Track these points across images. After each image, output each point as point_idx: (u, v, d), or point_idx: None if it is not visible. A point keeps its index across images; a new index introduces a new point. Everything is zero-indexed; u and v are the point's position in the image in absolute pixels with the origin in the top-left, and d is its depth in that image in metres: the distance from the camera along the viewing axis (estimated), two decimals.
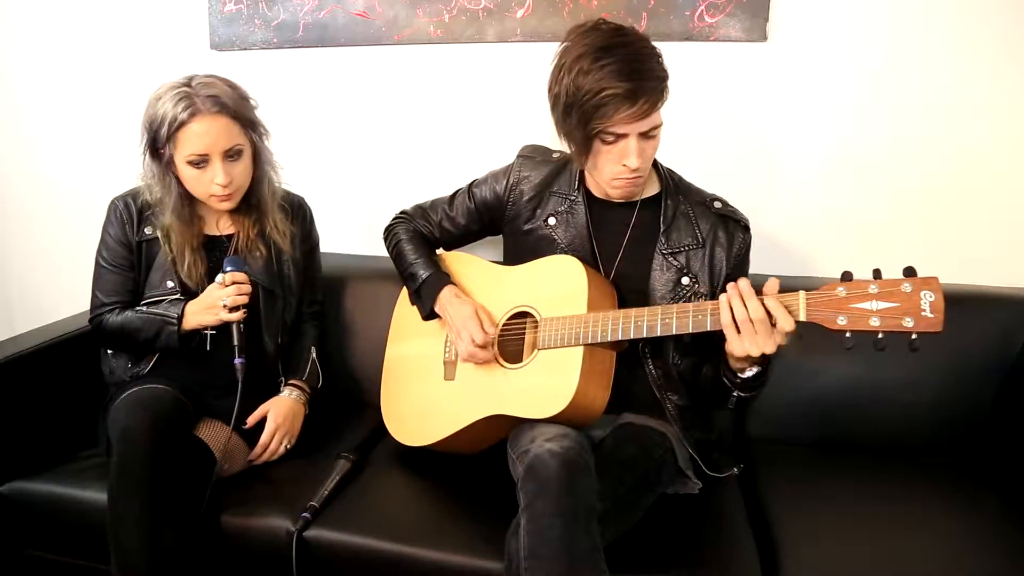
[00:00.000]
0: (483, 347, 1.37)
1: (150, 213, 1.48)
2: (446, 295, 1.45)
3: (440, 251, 1.61)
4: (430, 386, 1.48)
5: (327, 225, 2.00)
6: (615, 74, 1.18)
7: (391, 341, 1.62)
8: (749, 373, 1.20)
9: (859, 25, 1.64)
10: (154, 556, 1.23)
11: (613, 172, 1.29)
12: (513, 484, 1.23)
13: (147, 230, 1.48)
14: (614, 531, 1.19)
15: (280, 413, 1.50)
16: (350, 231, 2.02)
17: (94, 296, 1.52)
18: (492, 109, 1.86)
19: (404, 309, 1.62)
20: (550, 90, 1.28)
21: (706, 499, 1.38)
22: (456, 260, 1.56)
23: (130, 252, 1.49)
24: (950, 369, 1.51)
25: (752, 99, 1.73)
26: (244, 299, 1.39)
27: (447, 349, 1.48)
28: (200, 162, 1.38)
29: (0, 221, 2.30)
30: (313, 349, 1.64)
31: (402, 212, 1.62)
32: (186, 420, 1.38)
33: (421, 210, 1.60)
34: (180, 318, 1.42)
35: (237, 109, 1.40)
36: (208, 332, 1.46)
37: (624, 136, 1.23)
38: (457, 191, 1.56)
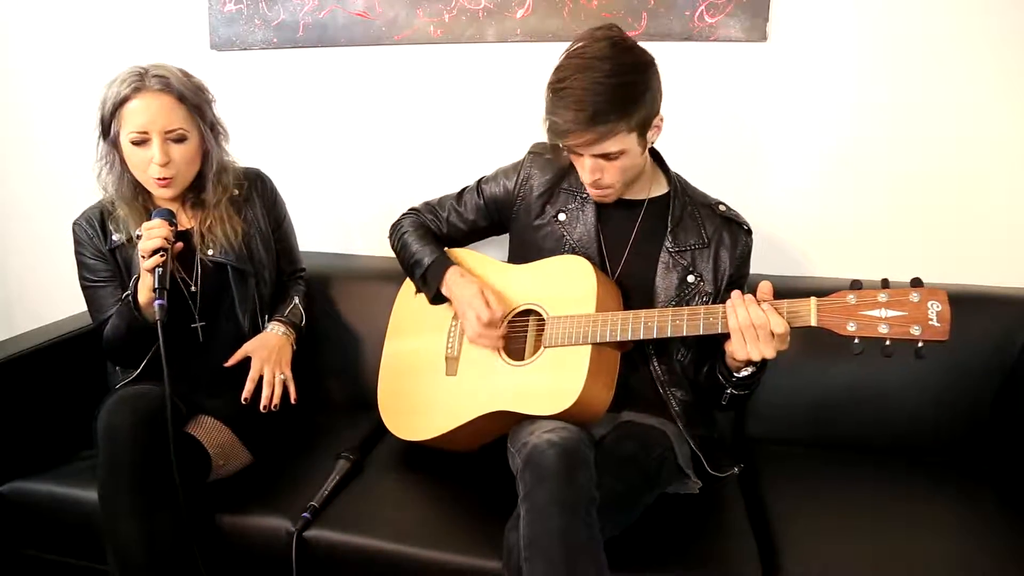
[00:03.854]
0: (489, 325, 1.37)
1: (111, 219, 1.48)
2: (451, 275, 1.46)
3: (447, 249, 1.60)
4: (431, 381, 1.48)
5: (327, 225, 2.01)
6: (566, 105, 1.21)
7: (390, 336, 1.62)
8: (744, 372, 1.25)
9: (859, 25, 1.65)
10: (151, 552, 1.23)
11: (583, 178, 1.34)
12: (513, 483, 1.23)
13: (114, 237, 1.48)
14: (612, 528, 1.19)
15: (261, 347, 1.48)
16: (349, 231, 2.02)
17: (93, 319, 1.52)
18: (492, 109, 1.87)
19: (404, 304, 1.62)
20: None
21: (706, 499, 1.38)
22: (463, 257, 1.56)
23: (107, 263, 1.49)
24: (950, 369, 1.51)
25: (752, 99, 1.73)
26: (156, 242, 1.33)
27: (449, 344, 1.48)
28: (141, 141, 1.38)
29: (0, 221, 2.30)
30: (297, 297, 1.62)
31: (410, 208, 1.62)
32: (172, 417, 1.36)
33: (429, 206, 1.60)
34: (134, 291, 1.39)
35: (184, 93, 1.40)
36: (197, 325, 1.48)
37: (579, 155, 1.28)
38: (465, 188, 1.57)
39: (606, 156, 1.26)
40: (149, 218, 1.39)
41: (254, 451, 1.48)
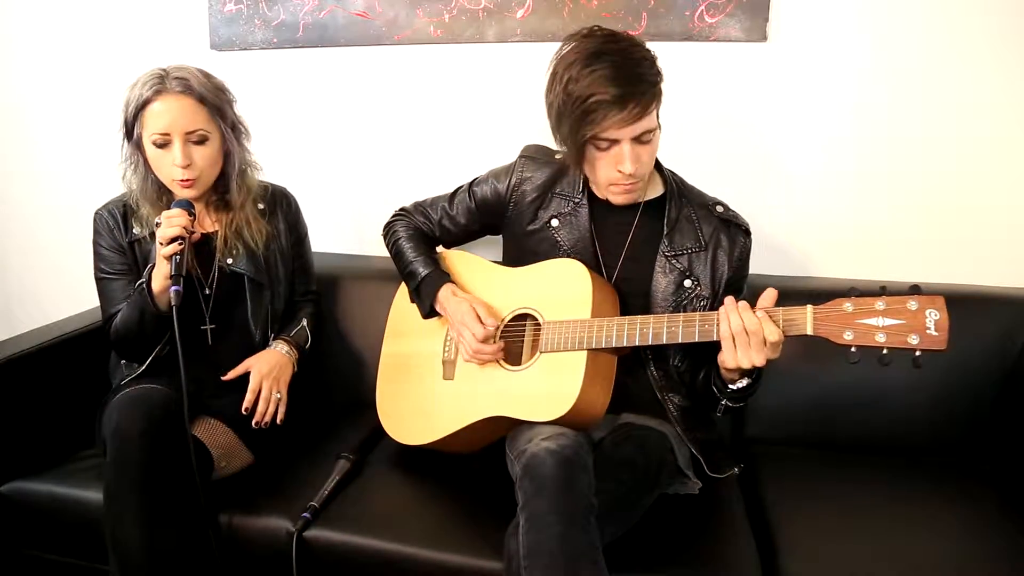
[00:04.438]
0: (485, 341, 1.36)
1: (134, 216, 1.49)
2: (444, 294, 1.45)
3: (441, 249, 1.60)
4: (429, 385, 1.48)
5: (327, 226, 2.01)
6: (604, 80, 1.18)
7: (388, 337, 1.62)
8: (740, 384, 1.24)
9: (859, 25, 1.64)
10: (154, 554, 1.23)
11: (610, 178, 1.29)
12: (513, 484, 1.23)
13: (135, 230, 1.49)
14: (613, 531, 1.19)
15: (263, 362, 1.48)
16: (350, 231, 2.02)
17: (103, 312, 1.52)
18: (492, 109, 1.86)
19: (402, 305, 1.62)
20: (545, 99, 1.29)
21: (706, 499, 1.38)
22: (458, 260, 1.56)
23: (124, 256, 1.50)
24: (950, 369, 1.51)
25: (752, 99, 1.73)
26: (175, 231, 1.34)
27: (446, 348, 1.48)
28: (163, 143, 1.39)
29: (0, 221, 2.30)
30: (306, 319, 1.62)
31: (401, 209, 1.62)
32: (180, 418, 1.36)
33: (421, 207, 1.60)
34: (148, 279, 1.40)
35: (205, 95, 1.41)
36: (207, 328, 1.49)
37: (617, 142, 1.24)
38: (458, 189, 1.56)
39: (642, 139, 1.24)
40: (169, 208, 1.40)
41: (255, 451, 1.48)
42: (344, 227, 2.03)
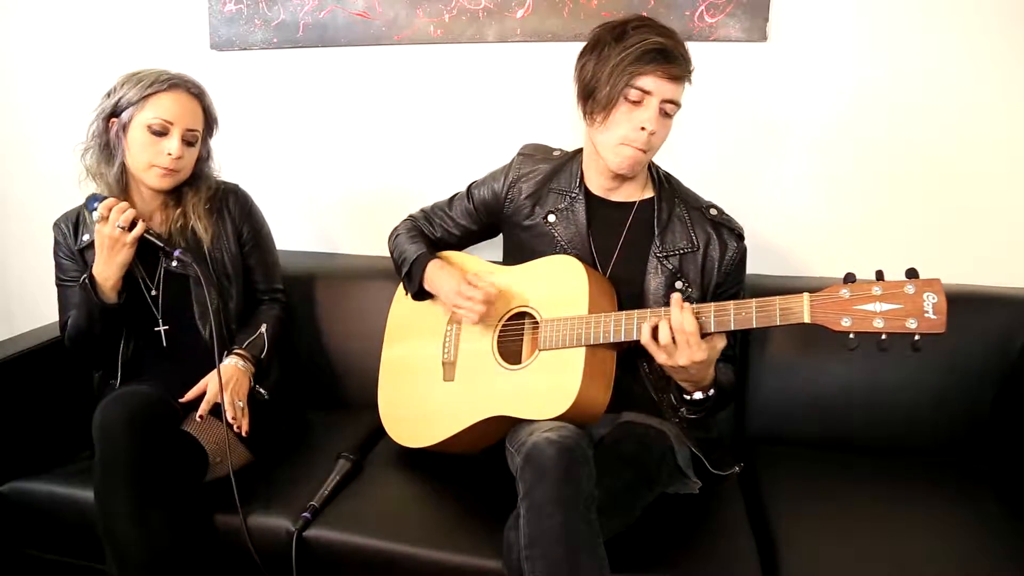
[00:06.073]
0: (485, 302, 1.37)
1: (84, 224, 1.51)
2: (432, 268, 1.46)
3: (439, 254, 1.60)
4: (429, 387, 1.48)
5: (326, 226, 2.01)
6: (655, 34, 1.25)
7: (388, 341, 1.62)
8: (697, 395, 1.27)
9: (859, 25, 1.65)
10: (149, 549, 1.23)
11: (626, 136, 1.28)
12: (512, 482, 1.23)
13: (84, 237, 1.50)
14: (612, 527, 1.19)
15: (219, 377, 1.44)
16: (349, 231, 2.02)
17: (60, 318, 1.54)
18: (492, 109, 1.86)
19: (400, 309, 1.62)
20: (578, 61, 1.33)
21: (706, 499, 1.38)
22: (455, 259, 1.56)
23: (76, 263, 1.51)
24: (950, 369, 1.51)
25: (752, 99, 1.73)
26: (132, 212, 1.38)
27: (445, 349, 1.48)
28: (163, 131, 1.42)
29: (0, 221, 2.30)
30: (264, 325, 1.57)
31: (408, 215, 1.63)
32: (167, 415, 1.36)
33: (424, 213, 1.61)
34: (90, 276, 1.40)
35: (209, 108, 1.50)
36: (161, 329, 1.50)
37: (649, 95, 1.26)
38: (456, 194, 1.57)
39: (667, 109, 1.27)
40: (91, 206, 1.41)
41: (253, 449, 1.48)
42: (345, 227, 2.03)
